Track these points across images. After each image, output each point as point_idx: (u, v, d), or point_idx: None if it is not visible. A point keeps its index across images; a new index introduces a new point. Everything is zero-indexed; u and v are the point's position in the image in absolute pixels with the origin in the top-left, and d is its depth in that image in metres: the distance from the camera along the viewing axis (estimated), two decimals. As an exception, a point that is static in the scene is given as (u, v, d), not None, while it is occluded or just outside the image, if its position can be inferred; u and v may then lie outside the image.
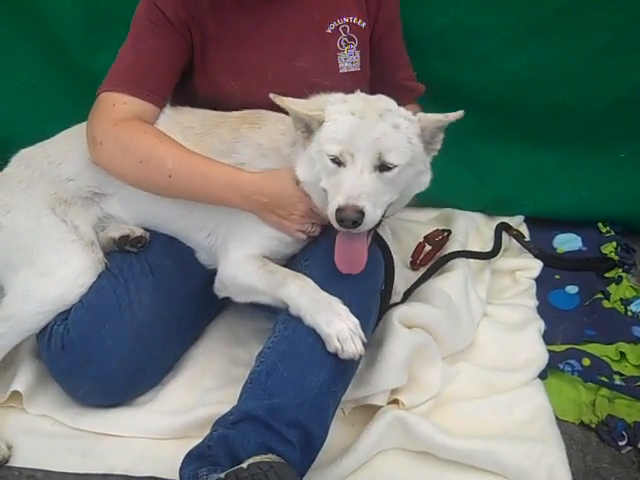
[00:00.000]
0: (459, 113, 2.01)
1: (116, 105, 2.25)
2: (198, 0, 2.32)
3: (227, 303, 2.42)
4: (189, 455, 1.91)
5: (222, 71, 2.39)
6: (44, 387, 2.34)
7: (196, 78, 2.43)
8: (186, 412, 2.25)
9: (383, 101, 2.08)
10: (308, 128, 2.06)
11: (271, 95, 2.02)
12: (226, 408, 1.99)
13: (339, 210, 1.87)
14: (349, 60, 2.46)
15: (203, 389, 2.36)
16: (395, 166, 1.96)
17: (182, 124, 2.35)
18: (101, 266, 2.31)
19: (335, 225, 1.92)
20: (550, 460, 2.10)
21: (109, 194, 2.42)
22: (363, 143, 1.93)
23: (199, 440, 1.93)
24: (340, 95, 2.13)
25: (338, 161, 1.95)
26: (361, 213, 1.86)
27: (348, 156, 1.94)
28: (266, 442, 1.85)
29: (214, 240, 2.36)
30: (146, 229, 2.43)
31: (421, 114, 2.06)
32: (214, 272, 2.29)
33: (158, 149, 2.21)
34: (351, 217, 1.86)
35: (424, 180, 2.12)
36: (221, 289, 2.27)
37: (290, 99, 2.05)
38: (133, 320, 2.23)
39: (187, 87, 2.44)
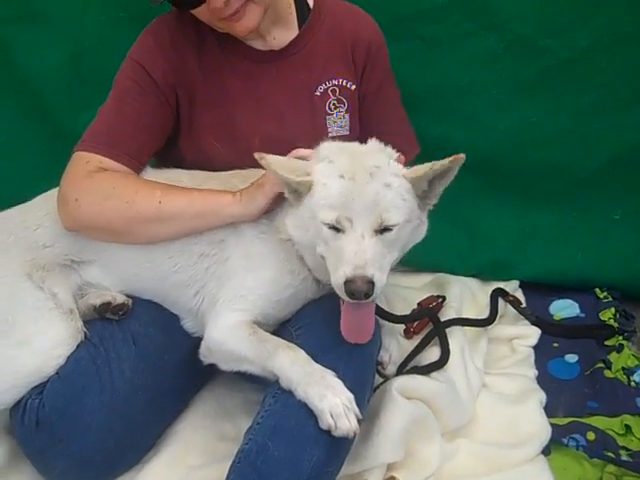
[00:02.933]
0: (444, 162, 1.90)
1: (90, 162, 2.18)
2: (186, 61, 2.28)
3: (213, 374, 2.35)
4: None
5: (208, 134, 2.35)
6: (16, 466, 2.21)
7: (181, 142, 2.38)
8: None
9: (372, 155, 1.99)
10: (297, 191, 1.98)
11: (256, 155, 1.93)
12: None
13: (348, 282, 1.78)
14: (338, 123, 2.43)
15: (187, 467, 2.23)
16: (394, 226, 1.88)
17: (168, 180, 2.27)
18: (80, 335, 2.21)
19: (344, 297, 1.83)
20: None
21: (88, 261, 2.33)
22: (360, 207, 1.85)
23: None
24: (326, 148, 2.05)
25: (335, 228, 1.87)
26: (371, 283, 1.78)
27: (346, 222, 1.86)
28: None
29: (201, 300, 2.26)
30: (129, 296, 2.33)
31: (405, 170, 1.97)
32: (200, 341, 2.19)
33: (144, 185, 2.18)
34: (363, 289, 1.77)
35: (421, 231, 2.05)
36: (207, 355, 2.16)
37: (275, 159, 1.95)
38: (113, 393, 2.11)
39: (172, 151, 2.40)
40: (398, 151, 2.08)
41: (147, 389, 2.19)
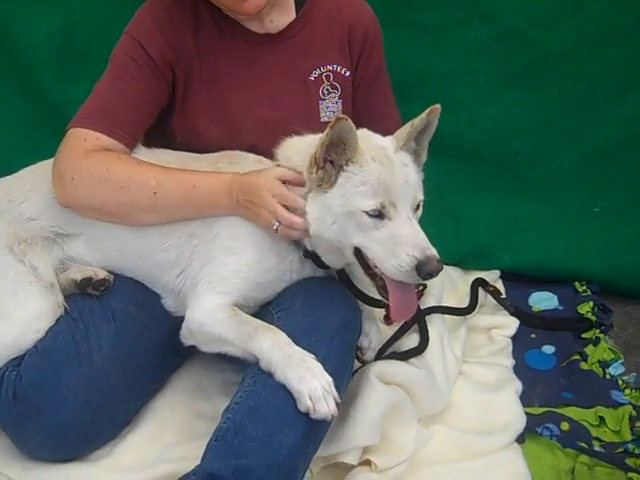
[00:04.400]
0: (422, 116, 1.96)
1: (88, 140, 2.16)
2: (184, 40, 2.27)
3: (192, 353, 2.33)
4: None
5: (202, 114, 2.34)
6: (-9, 439, 2.19)
7: (174, 121, 2.36)
8: (144, 469, 2.12)
9: (372, 138, 2.03)
10: (328, 177, 1.95)
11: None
12: (188, 465, 1.91)
13: (422, 265, 1.83)
14: (330, 109, 2.42)
15: (164, 444, 2.23)
16: (422, 200, 1.96)
17: (158, 160, 2.25)
18: (60, 310, 2.20)
19: (412, 280, 1.88)
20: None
21: (74, 234, 2.31)
22: (399, 190, 1.90)
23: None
24: None
25: (378, 215, 1.89)
26: (440, 262, 1.85)
27: (390, 206, 1.89)
28: None
29: (184, 281, 2.24)
30: (110, 272, 2.32)
31: (393, 137, 2.02)
32: (180, 320, 2.18)
33: (137, 170, 2.15)
34: (439, 267, 1.84)
35: None
36: (188, 336, 2.15)
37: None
38: (91, 368, 2.11)
39: (163, 130, 2.38)
40: (388, 134, 2.10)
41: (125, 365, 2.18)
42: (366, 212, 1.88)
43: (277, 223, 2.00)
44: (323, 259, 2.09)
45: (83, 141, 2.16)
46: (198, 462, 1.87)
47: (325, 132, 1.89)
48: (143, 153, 2.30)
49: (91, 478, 2.10)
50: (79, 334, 2.15)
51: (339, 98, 2.42)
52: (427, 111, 1.95)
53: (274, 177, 2.04)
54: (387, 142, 2.01)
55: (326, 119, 2.39)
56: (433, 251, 1.84)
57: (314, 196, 1.98)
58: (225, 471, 1.77)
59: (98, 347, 2.15)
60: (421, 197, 1.96)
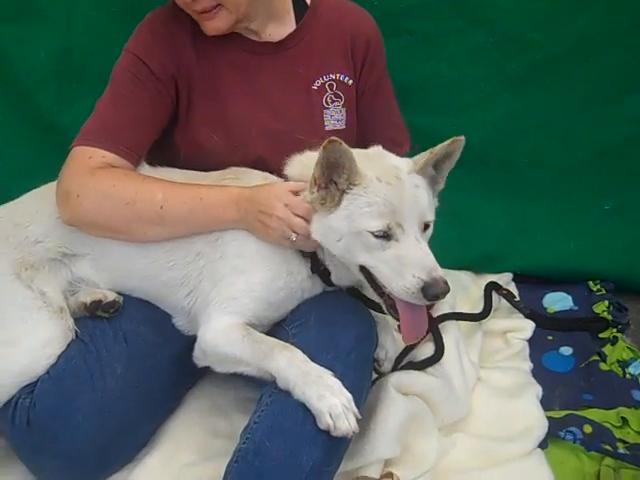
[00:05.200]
0: (444, 144, 1.94)
1: (93, 157, 2.14)
2: (183, 52, 2.25)
3: (206, 371, 2.28)
4: None
5: (204, 125, 2.31)
6: (7, 466, 2.17)
7: (177, 135, 2.34)
8: None
9: (386, 158, 2.02)
10: (331, 197, 1.92)
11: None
12: None
13: (428, 287, 1.79)
14: (335, 118, 2.40)
15: (181, 465, 2.19)
16: (431, 222, 1.93)
17: (163, 177, 2.23)
18: (71, 334, 2.17)
19: (418, 302, 1.84)
20: None
21: (80, 255, 2.28)
22: (407, 211, 1.87)
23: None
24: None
25: (385, 235, 1.86)
26: (447, 284, 1.81)
27: (397, 227, 1.86)
28: None
29: (194, 300, 2.21)
30: (120, 293, 2.29)
31: (411, 161, 2.00)
32: (193, 338, 2.15)
33: (144, 186, 2.13)
34: (446, 290, 1.80)
35: None
36: (201, 358, 2.12)
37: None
38: (105, 391, 2.08)
39: (166, 146, 2.35)
40: (394, 143, 2.10)
41: (139, 387, 2.15)
42: (372, 233, 1.86)
43: (293, 234, 1.98)
44: (332, 276, 2.08)
45: (88, 159, 2.14)
46: None
47: (319, 152, 1.87)
48: (147, 171, 2.28)
49: None
50: (91, 358, 2.12)
51: (343, 107, 2.40)
52: (449, 141, 1.93)
53: (285, 188, 2.02)
54: (402, 163, 1.99)
55: (330, 128, 2.38)
56: (440, 272, 1.81)
57: (319, 216, 1.95)
58: None
59: (110, 370, 2.12)
60: (431, 218, 1.93)
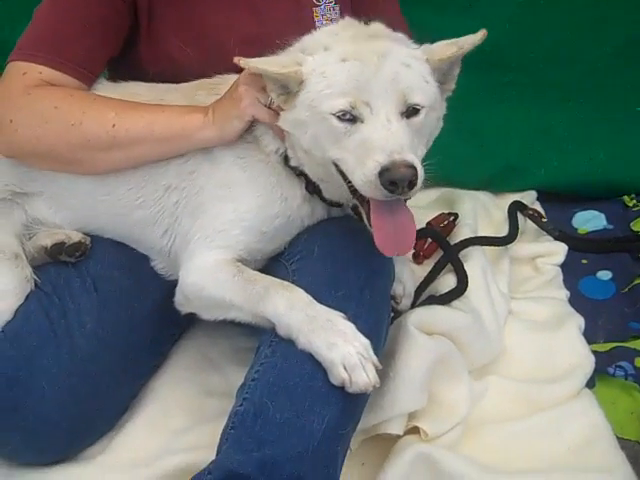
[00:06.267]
0: (475, 39, 1.69)
1: (28, 74, 1.88)
2: None
3: (193, 320, 2.07)
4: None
5: (173, 35, 2.04)
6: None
7: (142, 48, 2.07)
8: (149, 464, 1.85)
9: (381, 39, 1.71)
10: (286, 89, 1.70)
11: (235, 58, 1.66)
12: (202, 455, 1.68)
13: (385, 172, 1.49)
14: (327, 16, 2.13)
15: (170, 431, 1.97)
16: (422, 107, 1.63)
17: (124, 93, 1.97)
18: (29, 284, 1.95)
19: (379, 194, 1.54)
20: (621, 496, 1.72)
21: (33, 193, 2.06)
22: (378, 87, 1.58)
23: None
24: (317, 37, 1.78)
25: (350, 117, 1.59)
26: (413, 168, 1.50)
27: (363, 107, 1.58)
28: None
29: (172, 239, 1.98)
30: (87, 234, 2.07)
31: (427, 47, 1.72)
32: (176, 283, 1.90)
33: (93, 105, 1.88)
34: (406, 175, 1.49)
35: (441, 125, 1.80)
36: (184, 303, 1.88)
37: (257, 59, 1.68)
38: (73, 351, 1.86)
39: (133, 63, 2.08)
40: None
41: (115, 343, 1.94)
42: (334, 114, 1.60)
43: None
44: (323, 191, 1.84)
45: (22, 75, 1.89)
46: (213, 450, 1.60)
47: None
48: (106, 87, 2.03)
49: None
50: (54, 311, 1.91)
51: (335, 3, 2.13)
52: (479, 35, 1.69)
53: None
54: (398, 46, 1.70)
55: (321, 23, 2.10)
56: (405, 156, 1.52)
57: (284, 115, 1.71)
58: (248, 466, 1.49)
59: (79, 324, 1.90)
60: (417, 99, 1.62)
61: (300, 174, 1.82)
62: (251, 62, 1.66)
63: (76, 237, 2.02)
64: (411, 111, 1.61)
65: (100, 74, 2.04)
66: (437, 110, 1.72)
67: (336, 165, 1.65)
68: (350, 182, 1.64)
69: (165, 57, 2.04)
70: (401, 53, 1.67)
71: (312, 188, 1.84)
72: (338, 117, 1.59)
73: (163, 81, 2.05)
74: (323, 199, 1.86)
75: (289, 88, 1.68)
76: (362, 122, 1.58)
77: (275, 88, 1.70)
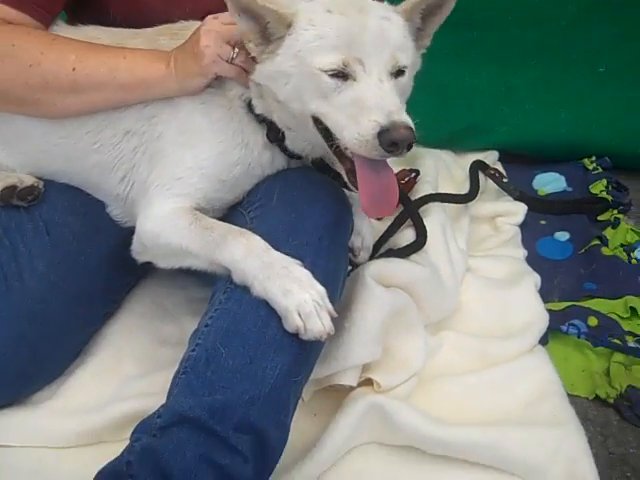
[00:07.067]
0: None
1: None
2: None
3: (148, 269, 2.00)
4: (101, 474, 1.46)
5: None
6: None
7: None
8: (98, 409, 1.81)
9: None
10: (266, 37, 1.62)
11: None
12: (152, 402, 1.61)
13: (385, 132, 1.46)
14: None
15: (121, 378, 1.93)
16: (406, 67, 1.60)
17: (84, 37, 1.87)
18: None
19: (376, 154, 1.51)
20: (569, 451, 1.71)
21: None
22: (370, 44, 1.54)
23: (116, 448, 1.50)
24: None
25: (342, 74, 1.54)
26: (412, 130, 1.47)
27: (356, 64, 1.54)
28: (207, 454, 1.43)
29: (130, 186, 1.91)
30: (40, 179, 2.00)
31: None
32: (131, 230, 1.84)
33: (53, 46, 1.78)
34: (407, 136, 1.47)
35: (412, 83, 1.74)
36: (140, 251, 1.82)
37: None
38: (24, 294, 1.80)
39: (93, 7, 1.97)
40: None
41: (67, 288, 1.88)
42: (325, 71, 1.55)
43: (232, 51, 1.67)
44: (286, 140, 1.78)
45: None
46: (164, 398, 1.55)
47: None
48: (65, 31, 1.93)
49: (32, 426, 1.78)
50: (5, 254, 1.84)
51: None
52: None
53: (212, 18, 1.71)
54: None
55: None
56: (403, 117, 1.50)
57: (260, 67, 1.64)
58: (198, 410, 1.45)
59: (30, 268, 1.84)
60: (404, 61, 1.59)
61: (263, 121, 1.75)
62: None
63: (29, 181, 1.95)
64: (398, 72, 1.59)
65: (59, 14, 1.94)
66: (415, 67, 1.70)
67: (316, 119, 1.60)
68: (330, 138, 1.59)
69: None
70: (377, 6, 1.63)
71: (274, 136, 1.77)
72: (329, 73, 1.55)
73: (126, 25, 1.94)
74: (284, 149, 1.80)
75: (271, 35, 1.61)
76: (354, 80, 1.54)
77: (255, 38, 1.62)
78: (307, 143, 1.73)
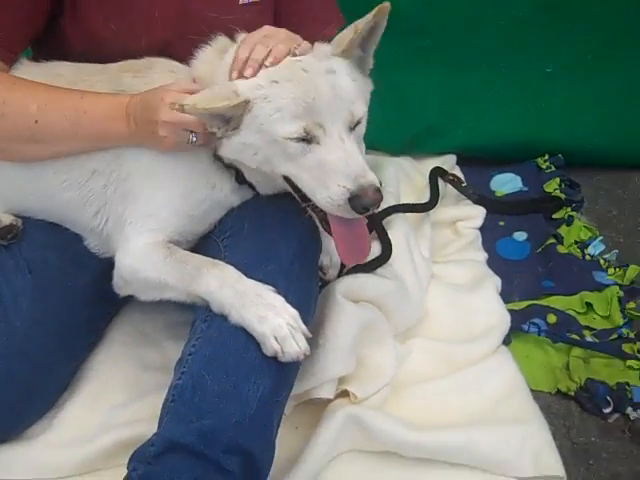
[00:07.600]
0: (368, 17, 1.64)
1: None
2: None
3: (128, 297, 2.00)
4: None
5: (98, 12, 1.93)
6: None
7: (66, 24, 1.96)
8: (90, 440, 1.85)
9: (279, 48, 1.67)
10: (226, 120, 1.65)
11: (170, 104, 1.62)
12: (141, 428, 1.71)
13: (355, 198, 1.54)
14: None
15: (109, 406, 1.96)
16: (362, 117, 1.66)
17: (47, 73, 1.90)
18: None
19: (347, 215, 1.59)
20: (534, 444, 1.82)
21: None
22: (325, 106, 1.59)
23: (110, 475, 1.62)
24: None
25: (304, 139, 1.60)
26: (379, 191, 1.56)
27: (317, 128, 1.59)
28: (201, 477, 1.50)
29: (103, 220, 1.94)
30: (18, 216, 2.01)
31: (329, 47, 1.71)
32: (109, 261, 1.88)
33: (13, 94, 1.80)
34: (376, 200, 1.56)
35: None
36: (122, 286, 1.86)
37: (192, 98, 1.61)
38: (9, 332, 1.82)
39: (58, 40, 1.99)
40: (318, 21, 1.88)
41: (50, 323, 1.90)
42: (289, 138, 1.60)
43: (191, 134, 1.70)
44: (257, 188, 1.83)
45: None
46: (152, 423, 1.60)
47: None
48: (29, 68, 1.95)
49: (28, 459, 1.82)
50: None
51: None
52: (374, 12, 1.64)
53: (171, 88, 1.71)
54: (302, 51, 1.69)
55: (245, 1, 2.01)
56: (370, 178, 1.56)
57: (227, 142, 1.68)
58: (188, 436, 1.51)
59: (14, 306, 1.86)
60: (361, 112, 1.65)
61: (230, 166, 1.79)
62: (188, 105, 1.57)
63: (7, 220, 1.97)
64: (357, 122, 1.64)
65: (21, 54, 1.94)
66: (367, 97, 1.73)
67: (287, 178, 1.67)
68: (302, 193, 1.66)
69: (90, 33, 1.94)
70: (316, 61, 1.65)
71: (242, 179, 1.82)
72: (294, 140, 1.59)
73: (88, 60, 1.96)
74: (253, 187, 1.84)
75: (231, 119, 1.64)
76: (318, 144, 1.59)
77: (216, 123, 1.65)
78: (274, 185, 1.78)
